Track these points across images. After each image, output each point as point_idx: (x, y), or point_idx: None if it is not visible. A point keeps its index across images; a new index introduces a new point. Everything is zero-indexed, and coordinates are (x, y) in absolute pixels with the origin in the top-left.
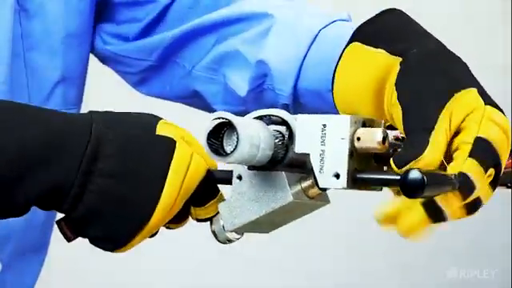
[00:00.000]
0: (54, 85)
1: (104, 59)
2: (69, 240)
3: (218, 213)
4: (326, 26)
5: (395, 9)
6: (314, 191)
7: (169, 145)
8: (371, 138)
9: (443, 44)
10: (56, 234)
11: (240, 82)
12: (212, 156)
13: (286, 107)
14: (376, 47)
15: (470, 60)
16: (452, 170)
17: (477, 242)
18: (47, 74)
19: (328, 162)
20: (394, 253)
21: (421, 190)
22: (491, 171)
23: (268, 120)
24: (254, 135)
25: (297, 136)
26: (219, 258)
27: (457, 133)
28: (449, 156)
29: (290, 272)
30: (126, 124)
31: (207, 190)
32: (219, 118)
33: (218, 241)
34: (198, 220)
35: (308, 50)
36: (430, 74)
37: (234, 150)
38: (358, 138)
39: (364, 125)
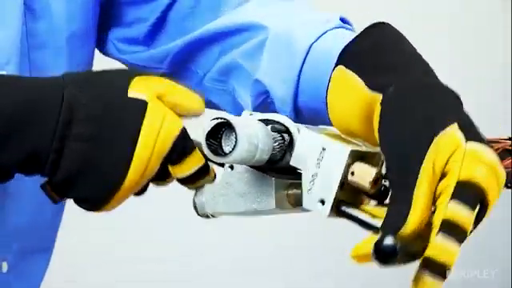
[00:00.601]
0: None
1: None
2: (55, 202)
3: (203, 186)
4: (317, 39)
5: (383, 24)
6: (298, 202)
7: (139, 106)
8: (364, 177)
9: (426, 69)
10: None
11: (245, 97)
12: (211, 156)
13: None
14: (359, 74)
15: (470, 60)
16: (436, 217)
17: (477, 242)
18: (52, 74)
19: (318, 185)
20: None
21: (393, 261)
22: (478, 208)
23: (272, 127)
24: (252, 135)
25: (295, 150)
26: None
27: (444, 174)
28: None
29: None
30: (99, 86)
31: (182, 147)
32: (217, 119)
33: (197, 213)
34: (178, 180)
35: (301, 68)
36: (407, 118)
37: (233, 150)
38: (352, 173)
39: (363, 157)
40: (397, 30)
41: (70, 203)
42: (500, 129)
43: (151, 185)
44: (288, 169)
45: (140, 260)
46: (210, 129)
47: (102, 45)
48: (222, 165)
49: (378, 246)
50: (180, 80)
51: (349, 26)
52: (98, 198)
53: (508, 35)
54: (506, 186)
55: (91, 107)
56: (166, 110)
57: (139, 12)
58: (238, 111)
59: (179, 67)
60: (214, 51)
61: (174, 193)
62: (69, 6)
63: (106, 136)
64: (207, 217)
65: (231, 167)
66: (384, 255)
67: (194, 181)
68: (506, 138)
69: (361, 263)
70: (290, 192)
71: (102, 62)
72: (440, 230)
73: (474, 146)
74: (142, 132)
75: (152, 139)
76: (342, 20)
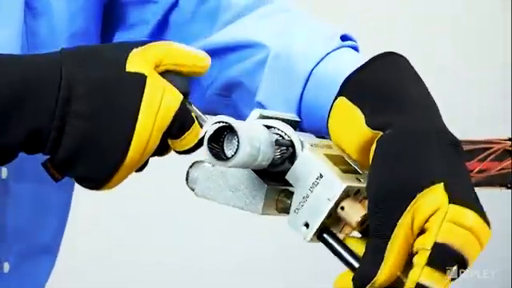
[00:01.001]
0: None
1: None
2: (56, 180)
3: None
4: (318, 63)
5: (393, 55)
6: (283, 211)
7: (138, 82)
8: (352, 216)
9: (429, 112)
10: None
11: (248, 113)
12: (213, 161)
13: None
14: (360, 108)
15: (471, 61)
16: (410, 280)
17: None
18: None
19: (306, 208)
20: None
21: None
22: (453, 269)
23: (276, 141)
24: (254, 137)
25: (293, 167)
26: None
27: (423, 231)
28: (411, 256)
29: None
30: (97, 62)
31: (181, 122)
32: (219, 122)
33: (187, 183)
34: (176, 151)
35: (302, 92)
36: (397, 167)
37: (235, 154)
38: (342, 208)
39: (358, 192)
40: (407, 64)
41: (73, 207)
42: (500, 129)
43: (150, 193)
44: (284, 176)
45: (140, 264)
46: (212, 133)
47: None
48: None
49: None
50: None
51: (350, 43)
52: (99, 176)
53: (508, 36)
54: (506, 186)
55: (90, 84)
56: (165, 84)
57: (142, 13)
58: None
59: None
60: (213, 65)
61: (175, 196)
62: (70, 5)
63: (106, 114)
64: (193, 190)
65: None
66: None
67: (191, 152)
68: (506, 138)
69: None
70: (279, 198)
71: None
72: None
73: (456, 209)
74: (141, 109)
75: (152, 116)
76: (345, 37)
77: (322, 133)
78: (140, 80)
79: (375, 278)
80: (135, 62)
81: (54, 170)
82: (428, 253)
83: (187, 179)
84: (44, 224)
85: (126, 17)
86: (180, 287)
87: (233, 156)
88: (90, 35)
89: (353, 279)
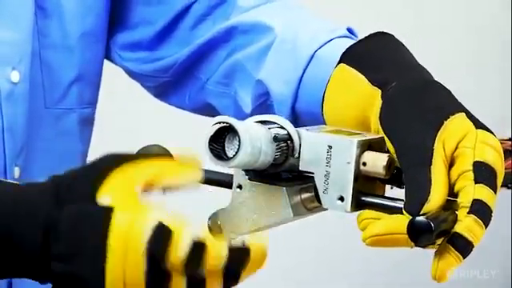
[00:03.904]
0: (69, 84)
1: (125, 71)
2: None
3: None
4: (322, 46)
5: (386, 33)
6: (314, 205)
7: (107, 215)
8: (377, 164)
9: (427, 74)
10: None
11: (246, 98)
12: (214, 161)
13: None
14: (360, 71)
15: (470, 59)
16: (465, 200)
17: None
18: (63, 73)
19: (333, 184)
20: (395, 253)
21: (428, 237)
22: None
23: (274, 137)
24: (255, 137)
25: (302, 155)
26: None
27: (454, 159)
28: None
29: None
30: (76, 195)
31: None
32: (220, 123)
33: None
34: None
35: (304, 72)
36: (413, 106)
37: (236, 153)
38: (364, 163)
39: (370, 146)
40: (398, 40)
41: None
42: (500, 129)
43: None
44: (294, 174)
45: None
46: (212, 133)
47: (107, 51)
48: (229, 186)
49: (412, 223)
50: (181, 87)
51: (355, 38)
52: None
53: (508, 34)
54: (507, 186)
55: (66, 224)
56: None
57: (148, 12)
58: (238, 115)
59: (182, 75)
60: (220, 55)
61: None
62: (79, 5)
63: (79, 253)
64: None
65: (239, 187)
66: (418, 231)
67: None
68: (506, 138)
69: (374, 246)
70: (303, 197)
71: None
72: (471, 208)
73: (481, 132)
74: (108, 245)
75: (120, 251)
76: (350, 31)
77: (317, 119)
78: (107, 213)
79: (429, 199)
80: (109, 192)
81: None
82: (472, 172)
83: (211, 231)
84: None
85: (130, 14)
86: None
87: (234, 156)
88: (100, 34)
89: (405, 208)
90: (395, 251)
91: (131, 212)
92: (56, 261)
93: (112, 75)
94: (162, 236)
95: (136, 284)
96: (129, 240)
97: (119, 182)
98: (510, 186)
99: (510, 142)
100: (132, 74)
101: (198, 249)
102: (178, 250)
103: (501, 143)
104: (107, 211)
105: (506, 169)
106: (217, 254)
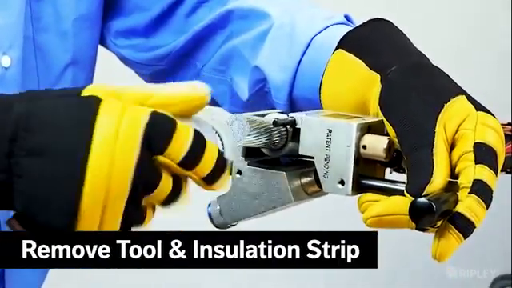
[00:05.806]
0: (63, 68)
1: (119, 58)
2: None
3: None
4: (319, 32)
5: (383, 19)
6: (314, 189)
7: (92, 103)
8: (377, 147)
9: (426, 58)
10: None
11: (242, 85)
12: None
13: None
14: (359, 57)
15: (470, 57)
16: (465, 180)
17: (477, 242)
18: (57, 57)
19: (333, 167)
20: (394, 253)
21: (430, 219)
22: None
23: (274, 122)
24: (258, 120)
25: (301, 139)
26: None
27: (455, 140)
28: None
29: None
30: (55, 92)
31: (161, 133)
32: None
33: (214, 224)
34: (203, 183)
35: (301, 58)
36: (414, 89)
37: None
38: (364, 146)
39: (369, 129)
40: (396, 26)
41: None
42: (500, 114)
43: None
44: (294, 159)
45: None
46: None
47: (102, 37)
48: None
49: (414, 205)
50: (176, 75)
51: (352, 25)
52: (61, 224)
53: (508, 34)
54: (506, 171)
55: (38, 115)
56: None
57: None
58: (234, 102)
59: (178, 62)
60: (217, 40)
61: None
62: None
63: (57, 145)
64: (226, 226)
65: (239, 172)
66: (420, 213)
67: (217, 178)
68: (506, 123)
69: (374, 227)
70: (303, 181)
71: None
72: (472, 188)
73: (481, 114)
74: (95, 134)
75: (110, 141)
76: (347, 18)
77: (314, 105)
78: (94, 102)
79: (432, 181)
80: (90, 90)
81: (20, 226)
82: (472, 154)
83: (212, 220)
84: None
85: (125, 1)
86: None
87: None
88: (94, 18)
89: (407, 190)
90: (395, 249)
91: (122, 103)
92: (26, 157)
93: (107, 61)
94: (164, 124)
95: (121, 181)
96: (122, 124)
97: (104, 92)
98: (508, 170)
99: (509, 127)
100: (127, 61)
101: (199, 146)
102: (183, 144)
103: (502, 128)
104: (95, 99)
105: (506, 153)
106: (213, 155)
